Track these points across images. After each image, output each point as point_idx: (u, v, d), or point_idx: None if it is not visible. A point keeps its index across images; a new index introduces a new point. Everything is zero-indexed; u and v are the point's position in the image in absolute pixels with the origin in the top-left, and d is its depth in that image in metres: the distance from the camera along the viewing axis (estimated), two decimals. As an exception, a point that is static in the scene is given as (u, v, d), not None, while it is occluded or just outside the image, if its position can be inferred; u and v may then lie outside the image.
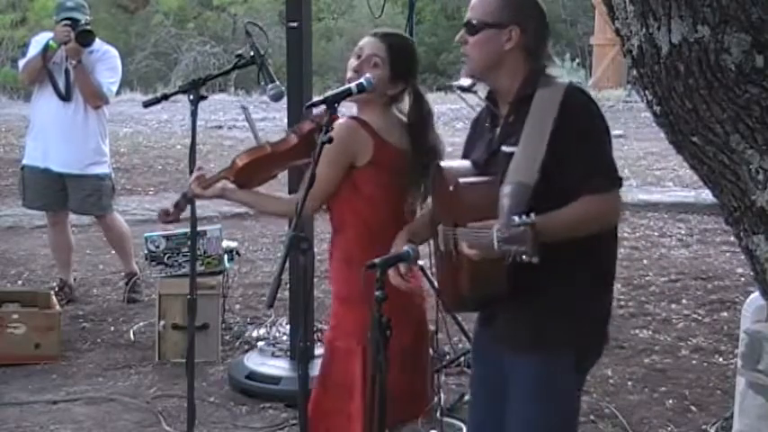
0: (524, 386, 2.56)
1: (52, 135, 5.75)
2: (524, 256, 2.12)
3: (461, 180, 2.53)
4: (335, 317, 3.04)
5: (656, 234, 8.26)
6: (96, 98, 5.75)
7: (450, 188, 2.55)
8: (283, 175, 4.45)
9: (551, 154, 2.36)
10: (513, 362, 2.59)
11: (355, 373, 2.95)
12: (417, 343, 3.04)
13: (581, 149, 2.41)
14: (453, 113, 13.32)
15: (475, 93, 2.73)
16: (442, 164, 2.68)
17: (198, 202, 3.27)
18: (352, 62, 2.95)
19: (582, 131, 2.43)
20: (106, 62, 5.83)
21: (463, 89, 2.80)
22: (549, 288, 2.47)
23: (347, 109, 2.90)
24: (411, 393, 3.01)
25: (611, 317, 2.65)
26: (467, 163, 2.64)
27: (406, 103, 3.02)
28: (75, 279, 6.25)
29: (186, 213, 3.29)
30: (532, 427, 2.56)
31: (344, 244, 2.98)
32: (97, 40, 5.78)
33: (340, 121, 2.89)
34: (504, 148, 2.51)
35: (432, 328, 3.39)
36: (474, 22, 2.55)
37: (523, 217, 2.14)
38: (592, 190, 2.39)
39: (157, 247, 5.14)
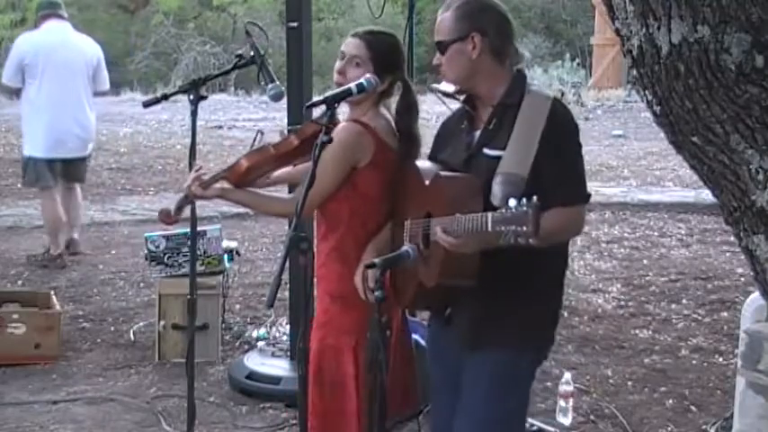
0: (484, 384, 2.64)
1: None
2: (522, 238, 2.14)
3: (442, 173, 2.61)
4: (326, 314, 3.01)
5: (656, 234, 8.25)
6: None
7: (427, 182, 2.63)
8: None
9: (534, 159, 2.47)
10: (473, 361, 2.67)
11: (348, 371, 2.95)
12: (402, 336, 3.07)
13: (558, 161, 2.52)
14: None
15: (457, 99, 2.77)
16: (416, 162, 2.80)
17: (198, 202, 3.27)
18: (337, 64, 2.96)
19: (562, 145, 2.56)
20: None
21: (445, 94, 2.82)
22: (509, 289, 2.57)
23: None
24: (402, 388, 3.01)
25: (562, 309, 2.80)
26: (434, 165, 2.73)
27: (392, 100, 3.03)
28: (73, 280, 6.28)
29: (186, 213, 3.30)
30: (490, 421, 2.65)
31: (338, 242, 2.97)
32: None
33: (343, 124, 2.90)
34: (487, 151, 2.60)
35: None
36: (441, 41, 2.66)
37: (524, 200, 2.17)
38: (561, 201, 2.47)
39: (157, 247, 5.14)
